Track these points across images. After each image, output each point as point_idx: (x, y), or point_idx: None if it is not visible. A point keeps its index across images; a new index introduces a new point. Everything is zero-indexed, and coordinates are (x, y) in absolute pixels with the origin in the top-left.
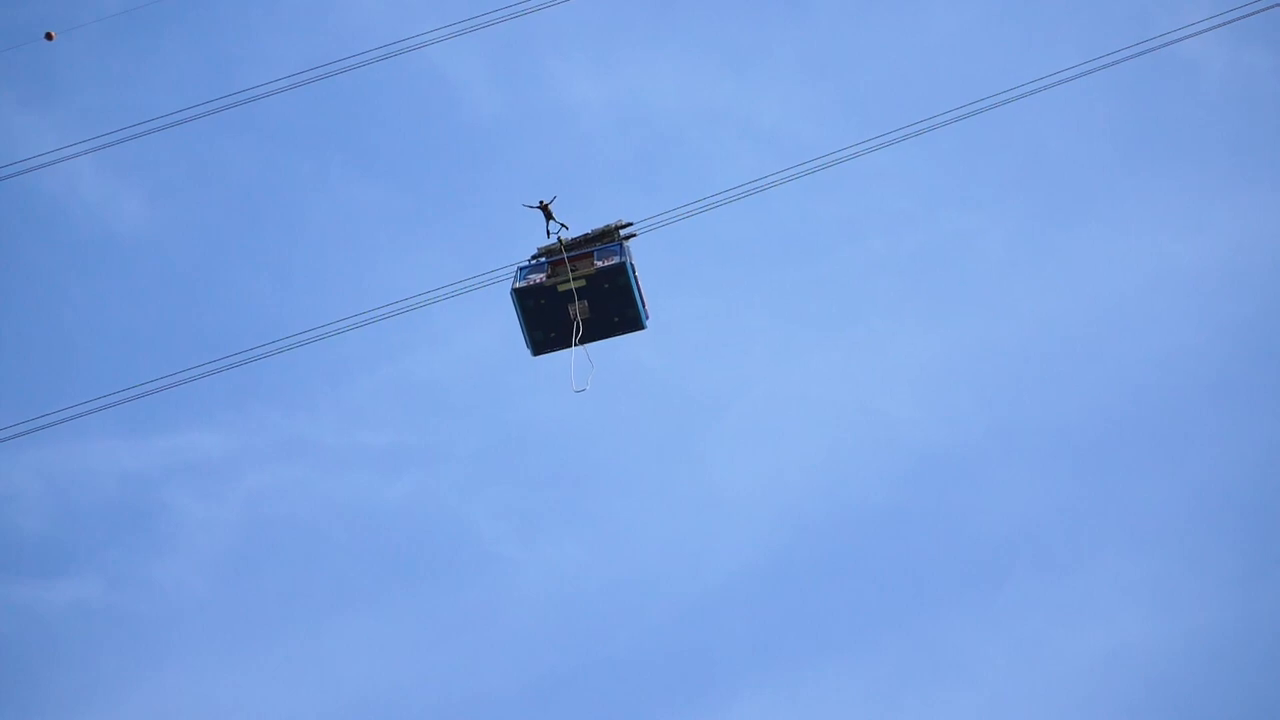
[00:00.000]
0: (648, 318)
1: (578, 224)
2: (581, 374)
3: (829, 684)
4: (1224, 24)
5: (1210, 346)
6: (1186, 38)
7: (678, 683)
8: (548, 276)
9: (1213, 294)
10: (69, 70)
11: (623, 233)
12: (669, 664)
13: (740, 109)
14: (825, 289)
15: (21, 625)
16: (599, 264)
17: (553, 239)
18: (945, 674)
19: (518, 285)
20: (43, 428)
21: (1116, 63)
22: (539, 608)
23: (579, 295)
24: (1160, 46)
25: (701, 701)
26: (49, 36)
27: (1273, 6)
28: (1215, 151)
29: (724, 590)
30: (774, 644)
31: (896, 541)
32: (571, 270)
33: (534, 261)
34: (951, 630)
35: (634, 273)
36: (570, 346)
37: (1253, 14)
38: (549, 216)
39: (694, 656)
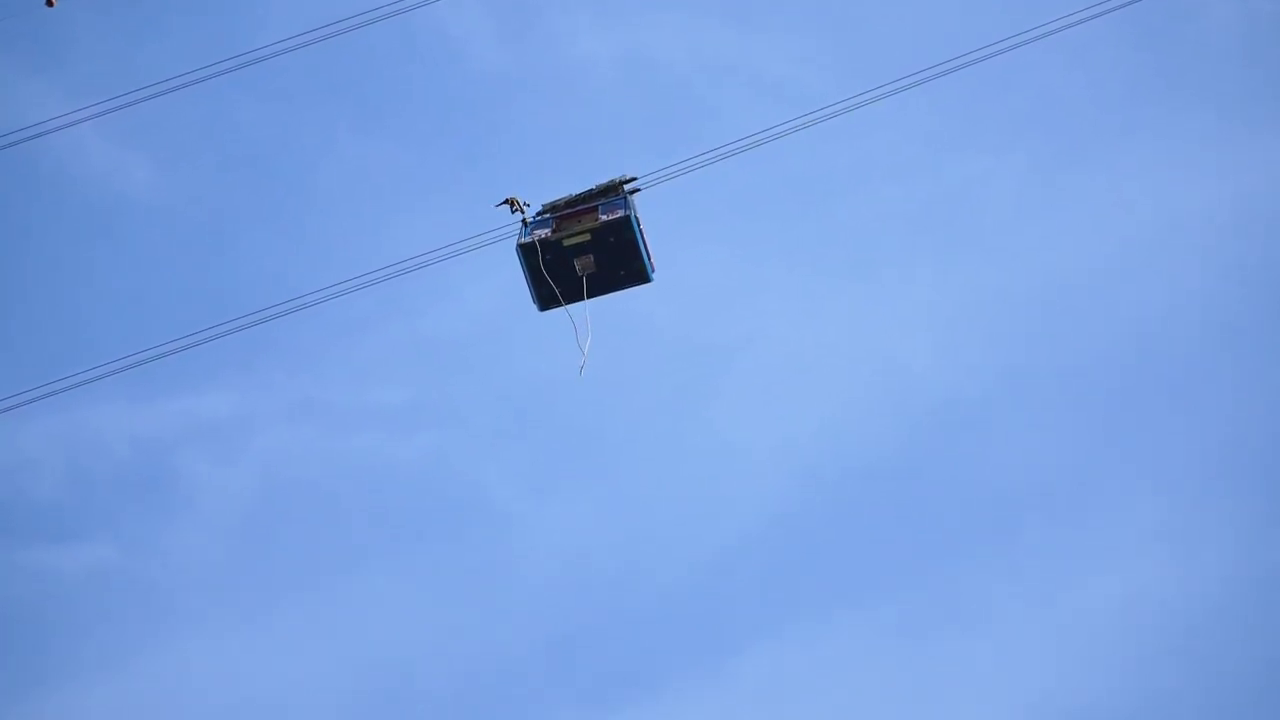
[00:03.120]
0: (654, 270)
1: (583, 180)
2: (579, 351)
3: (845, 634)
4: None
5: (1224, 289)
6: None
7: (694, 635)
8: (553, 231)
9: (1225, 237)
10: (72, 35)
11: (627, 187)
12: (685, 617)
13: (746, 60)
14: (835, 239)
15: (36, 591)
16: (603, 217)
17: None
18: (962, 622)
19: (523, 241)
20: (53, 394)
21: (1122, 6)
22: (553, 565)
23: (584, 250)
24: None
25: (718, 653)
26: (49, 3)
27: None
28: (1224, 94)
29: (738, 543)
30: (790, 595)
31: (911, 491)
32: (576, 224)
33: (539, 217)
34: (967, 579)
35: (639, 225)
36: (578, 300)
37: None
38: (515, 207)
39: (710, 609)
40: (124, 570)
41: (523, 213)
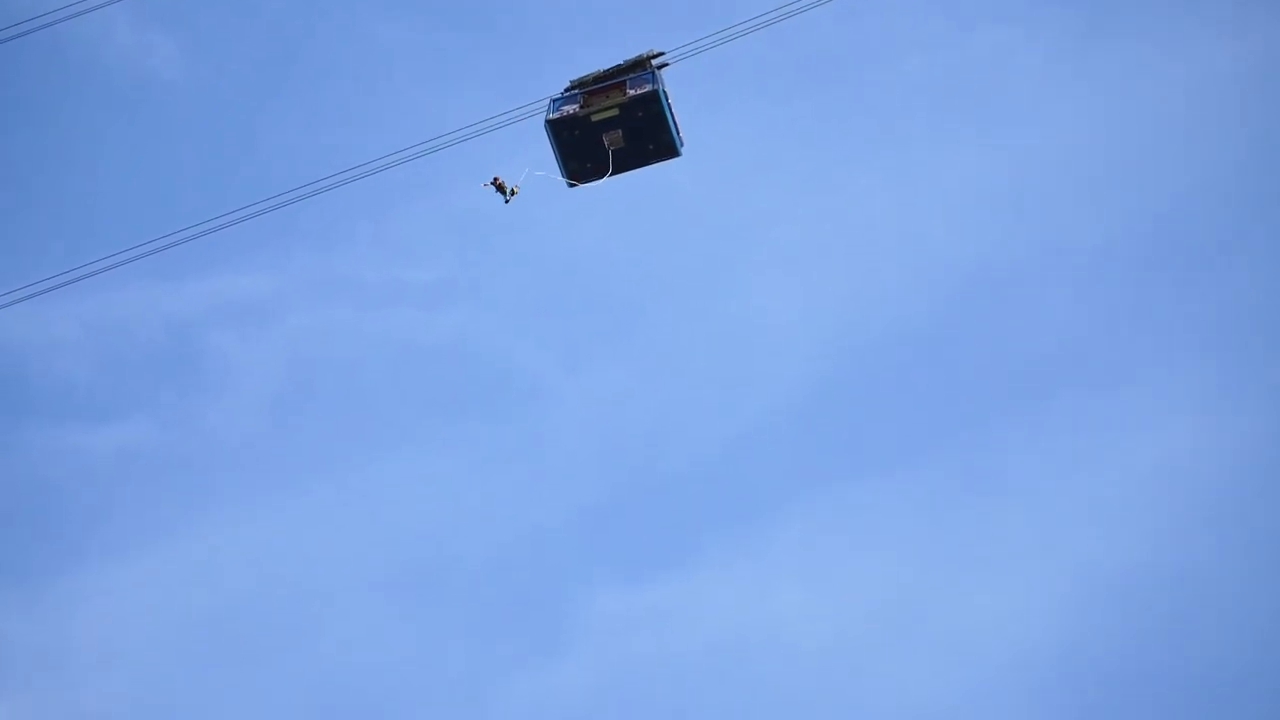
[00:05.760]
0: (682, 145)
1: (608, 59)
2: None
3: (878, 503)
4: None
5: (1251, 155)
6: None
7: (726, 506)
8: (581, 107)
9: (1252, 104)
10: None
11: (655, 62)
12: (717, 488)
13: None
14: (861, 112)
15: (72, 471)
16: (632, 92)
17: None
18: (994, 490)
19: (551, 117)
20: (85, 277)
21: None
22: (585, 437)
23: (612, 125)
24: None
25: (750, 524)
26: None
27: None
28: None
29: (769, 414)
30: (821, 466)
31: (941, 361)
32: (604, 99)
33: (567, 93)
34: (999, 447)
35: (667, 100)
36: (606, 175)
37: None
38: (501, 190)
39: (741, 480)
40: (158, 449)
41: (503, 192)
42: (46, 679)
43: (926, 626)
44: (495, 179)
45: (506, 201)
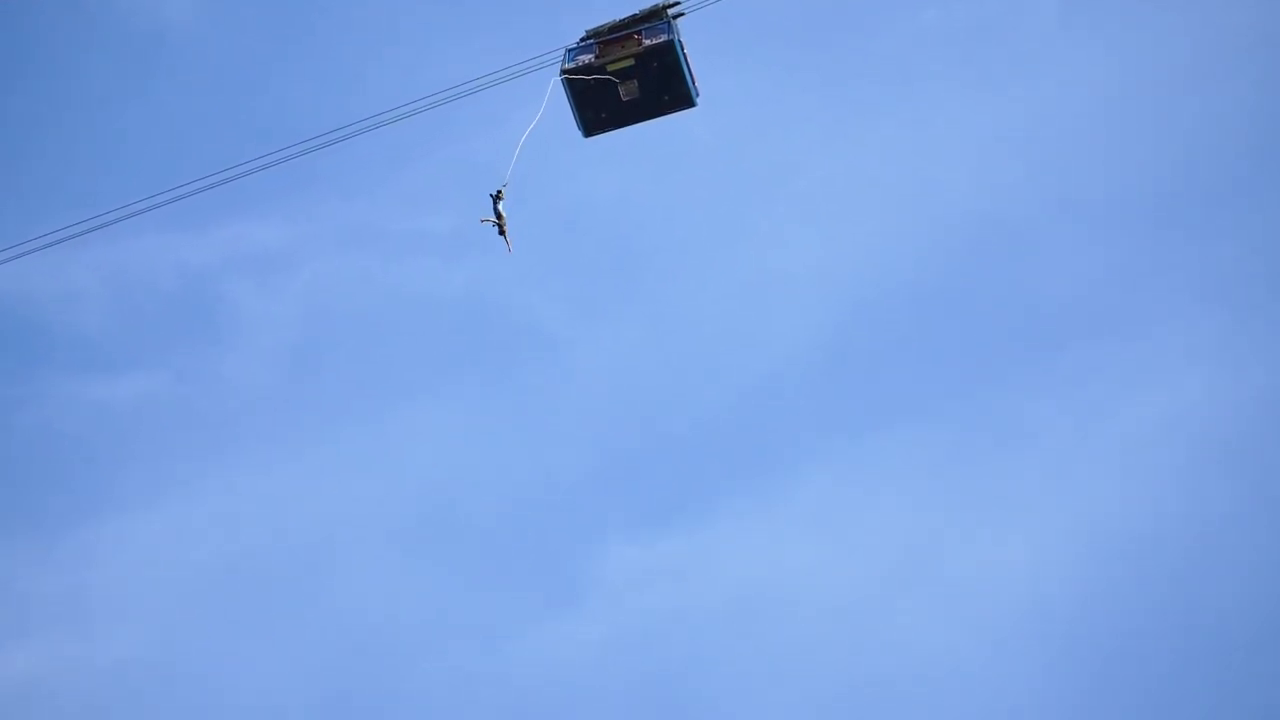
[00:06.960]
0: (698, 95)
1: (624, 9)
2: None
3: (893, 456)
4: None
5: (1270, 102)
6: None
7: (743, 459)
8: (596, 57)
9: (1272, 52)
10: None
11: (670, 11)
12: (733, 441)
13: None
14: (877, 62)
15: (88, 422)
16: (647, 42)
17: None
18: (1009, 442)
19: (567, 67)
20: (101, 226)
21: None
22: (601, 390)
23: (628, 75)
24: None
25: (767, 477)
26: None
27: None
28: None
29: (785, 366)
30: (837, 419)
31: (956, 313)
32: (619, 50)
33: (582, 43)
34: (1014, 398)
35: (682, 50)
36: (621, 126)
37: None
38: (499, 219)
39: (758, 433)
40: (174, 400)
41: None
42: (64, 629)
43: (943, 579)
44: (497, 219)
45: (496, 221)
